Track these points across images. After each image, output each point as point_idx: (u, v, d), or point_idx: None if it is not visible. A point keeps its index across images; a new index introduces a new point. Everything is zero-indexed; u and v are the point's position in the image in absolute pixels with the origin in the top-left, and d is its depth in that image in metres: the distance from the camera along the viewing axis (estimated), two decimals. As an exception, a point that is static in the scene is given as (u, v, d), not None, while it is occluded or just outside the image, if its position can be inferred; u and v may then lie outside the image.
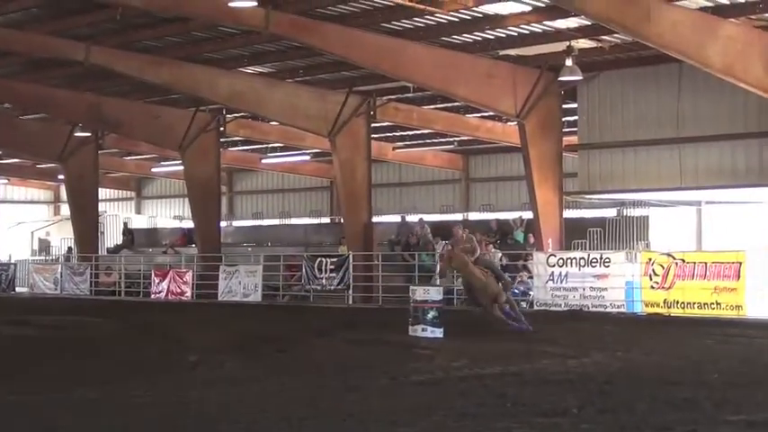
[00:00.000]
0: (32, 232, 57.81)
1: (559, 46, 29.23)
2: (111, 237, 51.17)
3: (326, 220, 52.41)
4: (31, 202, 68.10)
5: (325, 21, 28.48)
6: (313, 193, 55.70)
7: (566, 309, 28.60)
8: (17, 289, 45.91)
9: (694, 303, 26.92)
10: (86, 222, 45.72)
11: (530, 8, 26.78)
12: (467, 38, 29.93)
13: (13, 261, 48.89)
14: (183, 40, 32.18)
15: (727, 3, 25.18)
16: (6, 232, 54.41)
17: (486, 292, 22.54)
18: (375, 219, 38.15)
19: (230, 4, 24.82)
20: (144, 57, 33.17)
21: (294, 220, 53.20)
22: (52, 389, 14.33)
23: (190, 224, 45.05)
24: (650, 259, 27.99)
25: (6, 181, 63.01)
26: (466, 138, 43.14)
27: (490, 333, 21.62)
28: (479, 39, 29.91)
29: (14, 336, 23.30)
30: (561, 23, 27.79)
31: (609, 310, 28.08)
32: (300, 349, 19.65)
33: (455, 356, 17.53)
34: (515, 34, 29.21)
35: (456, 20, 28.18)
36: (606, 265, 28.56)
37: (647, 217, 35.26)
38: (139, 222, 56.73)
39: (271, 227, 51.44)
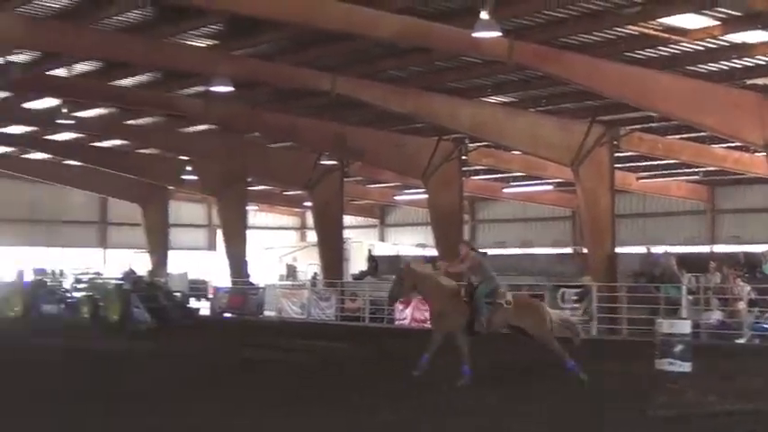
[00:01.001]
0: (280, 257, 59.51)
1: (810, 76, 28.42)
2: (356, 263, 52.11)
3: (569, 250, 52.05)
4: (279, 228, 70.24)
5: (567, 50, 28.39)
6: (555, 223, 55.55)
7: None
8: (265, 312, 47.22)
9: None
10: (332, 249, 46.70)
11: (779, 36, 26.17)
12: (712, 67, 29.41)
13: (262, 285, 50.41)
14: (426, 69, 32.64)
15: None
16: (256, 257, 56.06)
17: (436, 321, 20.08)
18: (618, 249, 37.66)
19: (474, 35, 24.94)
20: (388, 86, 33.68)
21: (536, 250, 53.07)
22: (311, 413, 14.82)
23: (433, 252, 45.45)
24: None
25: (256, 207, 64.98)
26: (712, 168, 42.28)
27: (741, 368, 21.12)
28: (725, 68, 29.36)
29: (266, 360, 24.01)
30: (812, 52, 27.03)
31: None
32: (548, 378, 19.62)
33: (704, 391, 17.21)
34: (763, 63, 28.53)
35: (701, 49, 27.72)
36: None
37: None
38: (383, 249, 57.64)
39: (512, 256, 51.41)
